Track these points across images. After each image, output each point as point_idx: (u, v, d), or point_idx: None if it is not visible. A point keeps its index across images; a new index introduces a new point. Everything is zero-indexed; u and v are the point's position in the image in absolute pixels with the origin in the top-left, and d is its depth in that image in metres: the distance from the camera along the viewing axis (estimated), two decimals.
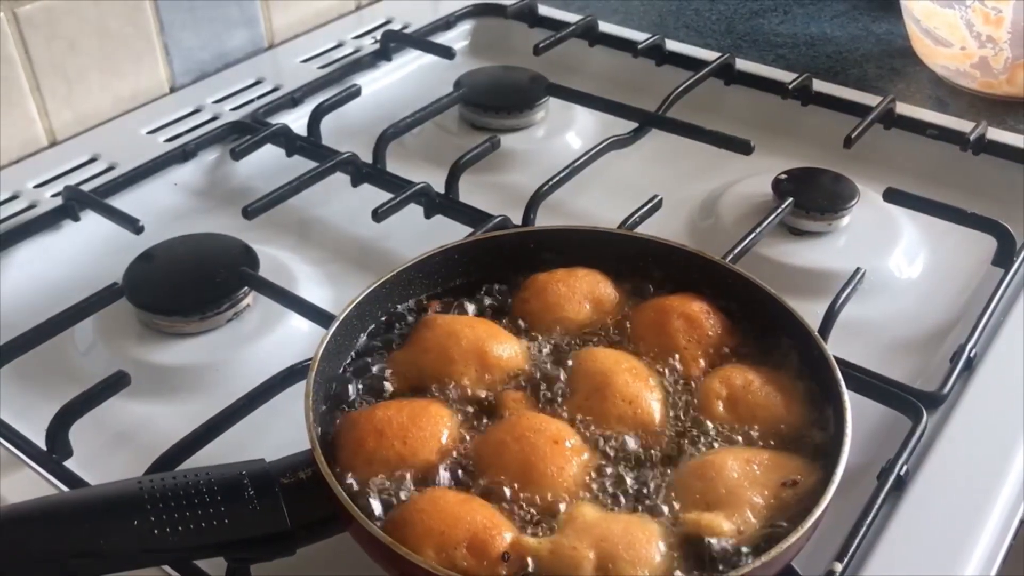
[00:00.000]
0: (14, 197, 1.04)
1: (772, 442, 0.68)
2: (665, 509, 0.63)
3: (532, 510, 0.63)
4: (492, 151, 1.05)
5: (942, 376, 0.79)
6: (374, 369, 0.72)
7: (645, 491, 0.64)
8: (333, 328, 0.71)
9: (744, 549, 0.60)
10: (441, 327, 0.73)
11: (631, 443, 0.67)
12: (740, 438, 0.68)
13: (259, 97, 1.20)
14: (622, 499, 0.63)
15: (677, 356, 0.73)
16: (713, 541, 0.60)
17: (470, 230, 0.92)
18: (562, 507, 0.62)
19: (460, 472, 0.65)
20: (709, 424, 0.69)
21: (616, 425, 0.68)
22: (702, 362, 0.73)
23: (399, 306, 0.77)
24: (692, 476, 0.64)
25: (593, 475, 0.65)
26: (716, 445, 0.67)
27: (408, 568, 0.57)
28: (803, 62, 1.30)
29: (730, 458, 0.65)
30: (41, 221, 0.99)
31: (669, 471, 0.65)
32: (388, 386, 0.71)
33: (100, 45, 1.12)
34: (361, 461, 0.64)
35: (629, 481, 0.64)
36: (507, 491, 0.63)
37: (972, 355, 0.81)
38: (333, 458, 0.65)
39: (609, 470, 0.65)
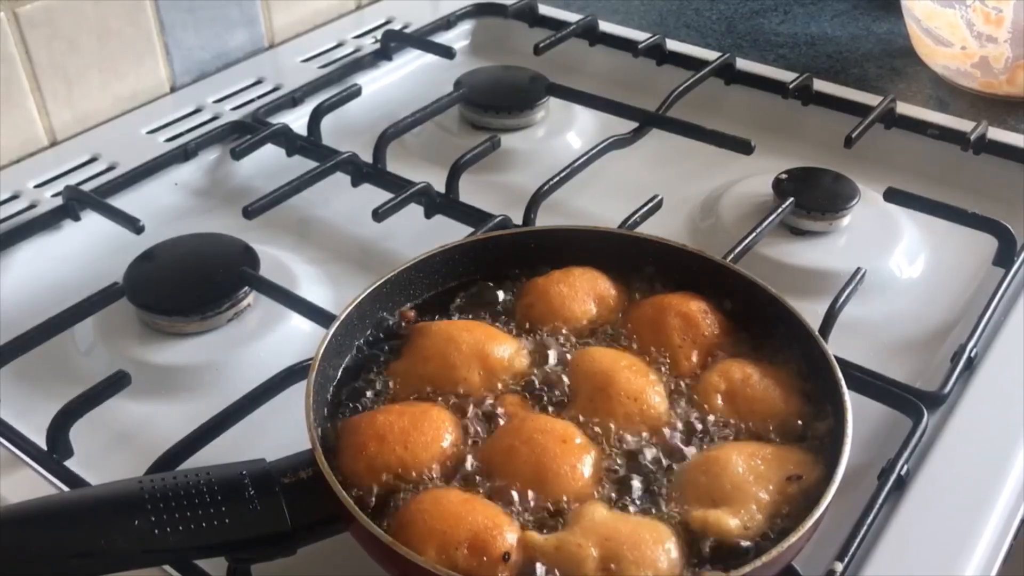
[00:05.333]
0: (14, 197, 1.04)
1: (773, 436, 0.68)
2: (672, 505, 0.63)
3: (545, 510, 0.63)
4: (492, 151, 1.05)
5: (943, 376, 0.79)
6: (375, 379, 0.72)
7: (653, 488, 0.64)
8: (334, 328, 0.71)
9: (747, 546, 0.60)
10: (438, 334, 0.73)
11: (637, 440, 0.67)
12: (742, 432, 0.68)
13: (259, 97, 1.20)
14: (630, 496, 0.64)
15: (671, 354, 0.73)
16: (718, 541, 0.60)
17: (471, 230, 0.92)
18: (575, 505, 0.63)
19: (464, 474, 0.65)
20: (710, 418, 0.69)
21: (623, 423, 0.68)
22: (695, 359, 0.73)
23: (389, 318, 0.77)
24: (697, 472, 0.64)
25: (603, 472, 0.65)
26: (718, 440, 0.67)
27: (409, 568, 0.57)
28: (803, 62, 1.30)
29: (734, 453, 0.65)
30: (41, 221, 0.99)
31: (674, 467, 0.65)
32: (389, 395, 0.71)
33: (100, 45, 1.12)
34: (363, 466, 0.64)
35: (636, 480, 0.64)
36: (516, 494, 0.63)
37: (973, 355, 0.81)
38: (334, 463, 0.64)
39: (617, 468, 0.65)
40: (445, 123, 1.16)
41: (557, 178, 0.99)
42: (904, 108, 1.12)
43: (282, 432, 0.68)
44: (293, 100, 1.16)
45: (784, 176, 1.00)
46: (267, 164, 1.08)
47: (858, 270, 0.87)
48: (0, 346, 0.83)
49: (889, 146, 1.10)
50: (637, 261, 0.80)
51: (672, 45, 1.25)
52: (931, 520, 0.70)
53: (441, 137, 1.14)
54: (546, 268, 0.79)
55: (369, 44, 1.30)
